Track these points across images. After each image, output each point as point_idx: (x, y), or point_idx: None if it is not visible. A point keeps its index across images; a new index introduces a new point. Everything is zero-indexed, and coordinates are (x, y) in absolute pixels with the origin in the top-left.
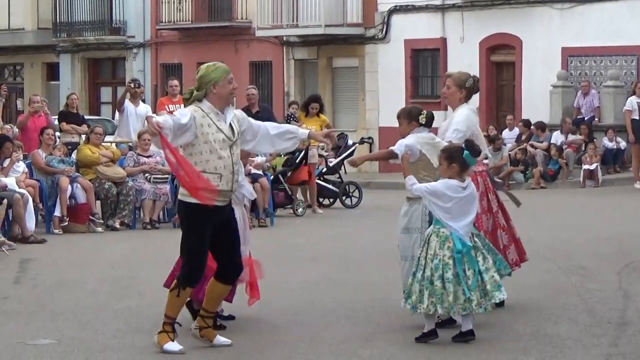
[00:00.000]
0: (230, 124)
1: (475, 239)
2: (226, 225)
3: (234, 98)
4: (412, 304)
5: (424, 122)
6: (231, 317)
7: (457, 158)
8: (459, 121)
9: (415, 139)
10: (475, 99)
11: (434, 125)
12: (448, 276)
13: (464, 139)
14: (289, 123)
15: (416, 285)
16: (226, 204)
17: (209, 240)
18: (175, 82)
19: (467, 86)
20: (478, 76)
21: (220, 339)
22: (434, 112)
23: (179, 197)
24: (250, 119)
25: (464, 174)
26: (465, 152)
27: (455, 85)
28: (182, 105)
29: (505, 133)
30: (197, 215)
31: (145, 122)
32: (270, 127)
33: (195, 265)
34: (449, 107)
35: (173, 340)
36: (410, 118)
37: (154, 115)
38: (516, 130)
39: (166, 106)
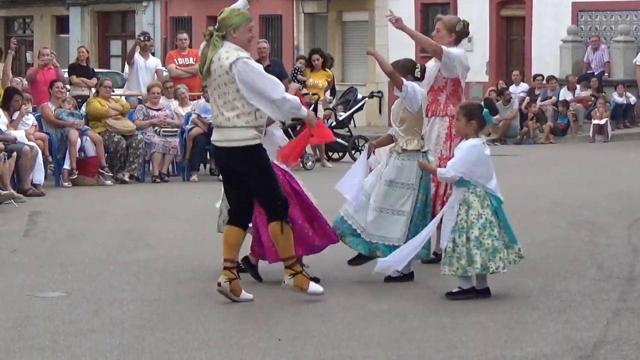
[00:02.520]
0: None
1: None
2: None
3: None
4: (463, 268)
5: (418, 76)
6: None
7: (477, 115)
8: (454, 55)
9: (421, 94)
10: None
11: None
12: (494, 233)
13: (454, 73)
14: (295, 77)
15: (462, 249)
16: None
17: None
18: (185, 35)
19: (457, 30)
20: (468, 21)
21: (245, 294)
22: None
23: (236, 144)
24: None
25: (480, 130)
26: (485, 110)
27: (445, 28)
28: (192, 59)
29: (512, 88)
30: (263, 152)
31: (155, 75)
32: None
33: (284, 195)
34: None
35: (310, 280)
36: (405, 71)
37: (164, 68)
38: (522, 86)
39: (175, 59)
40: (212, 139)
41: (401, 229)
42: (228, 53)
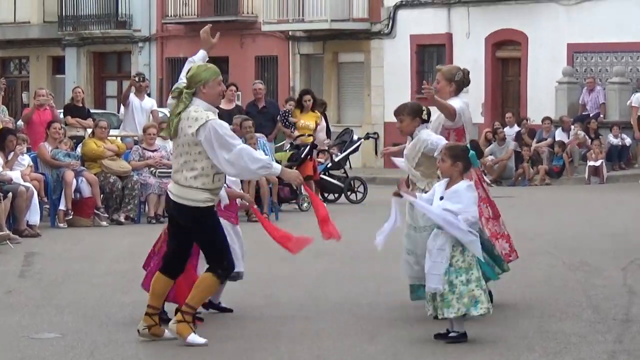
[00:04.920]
0: None
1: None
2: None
3: (239, 94)
4: (466, 307)
5: (426, 119)
6: (229, 310)
7: (463, 157)
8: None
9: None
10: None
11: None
12: (474, 278)
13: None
14: (286, 120)
15: (463, 289)
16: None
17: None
18: None
19: (457, 79)
20: (468, 69)
21: (169, 334)
22: None
23: (187, 203)
24: None
25: (466, 173)
26: (472, 152)
27: (445, 79)
28: None
29: (506, 130)
30: (213, 213)
31: (151, 116)
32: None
33: (231, 256)
34: None
35: (194, 332)
36: (414, 114)
37: (160, 110)
38: (516, 128)
39: None
40: (168, 187)
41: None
42: (197, 113)
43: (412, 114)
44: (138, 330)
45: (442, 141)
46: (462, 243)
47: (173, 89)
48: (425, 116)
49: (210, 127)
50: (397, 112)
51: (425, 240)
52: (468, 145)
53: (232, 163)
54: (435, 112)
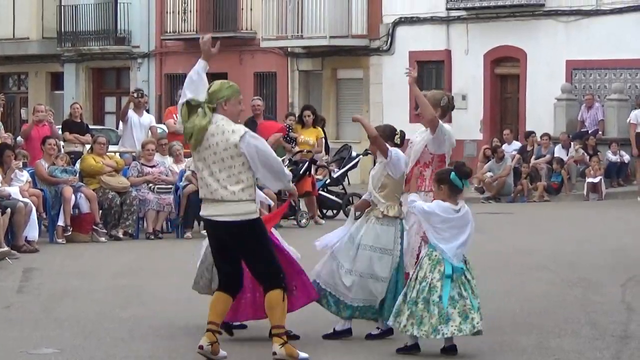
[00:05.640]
0: None
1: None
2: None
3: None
4: (400, 323)
5: (398, 142)
6: (243, 326)
7: (445, 180)
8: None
9: (405, 160)
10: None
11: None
12: (434, 299)
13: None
14: (287, 135)
15: (404, 305)
16: None
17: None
18: None
19: (442, 105)
20: (452, 94)
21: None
22: None
23: (241, 218)
24: None
25: (455, 196)
26: (452, 174)
27: (430, 105)
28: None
29: (505, 147)
30: (264, 224)
31: (149, 132)
32: None
33: (281, 265)
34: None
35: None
36: (385, 137)
37: (158, 126)
38: (515, 144)
39: (174, 115)
40: (207, 213)
41: (381, 293)
42: (231, 126)
43: (383, 137)
44: (201, 347)
45: (402, 160)
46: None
47: (184, 101)
48: (397, 140)
49: (250, 138)
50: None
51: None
52: (452, 168)
53: (271, 174)
54: (418, 136)
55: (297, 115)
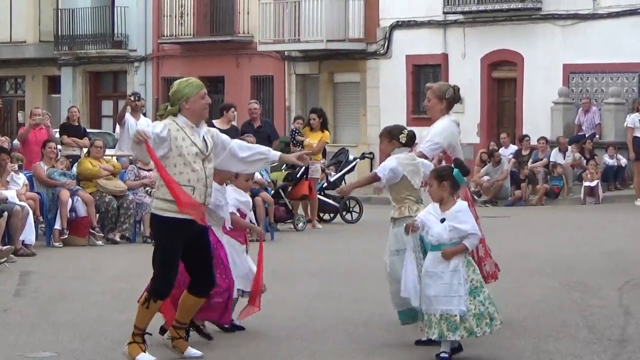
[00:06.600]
0: (203, 137)
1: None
2: (199, 239)
3: (235, 114)
4: (489, 326)
5: (404, 142)
6: (241, 328)
7: (447, 177)
8: (436, 132)
9: (397, 161)
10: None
11: None
12: (487, 295)
13: (439, 150)
14: (294, 138)
15: (483, 309)
16: None
17: (181, 254)
18: None
19: (448, 97)
20: (458, 86)
21: (192, 350)
22: None
23: (152, 210)
24: (223, 135)
25: (455, 192)
26: (455, 170)
27: (436, 97)
28: None
29: (502, 150)
30: (168, 228)
31: None
32: (240, 148)
33: (165, 278)
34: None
35: (144, 352)
36: (391, 137)
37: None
38: (512, 148)
39: None
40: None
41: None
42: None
43: (388, 137)
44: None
45: (387, 165)
46: (471, 263)
47: (160, 107)
48: (403, 139)
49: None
50: (379, 135)
51: (401, 263)
52: (452, 164)
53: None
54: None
55: (305, 119)
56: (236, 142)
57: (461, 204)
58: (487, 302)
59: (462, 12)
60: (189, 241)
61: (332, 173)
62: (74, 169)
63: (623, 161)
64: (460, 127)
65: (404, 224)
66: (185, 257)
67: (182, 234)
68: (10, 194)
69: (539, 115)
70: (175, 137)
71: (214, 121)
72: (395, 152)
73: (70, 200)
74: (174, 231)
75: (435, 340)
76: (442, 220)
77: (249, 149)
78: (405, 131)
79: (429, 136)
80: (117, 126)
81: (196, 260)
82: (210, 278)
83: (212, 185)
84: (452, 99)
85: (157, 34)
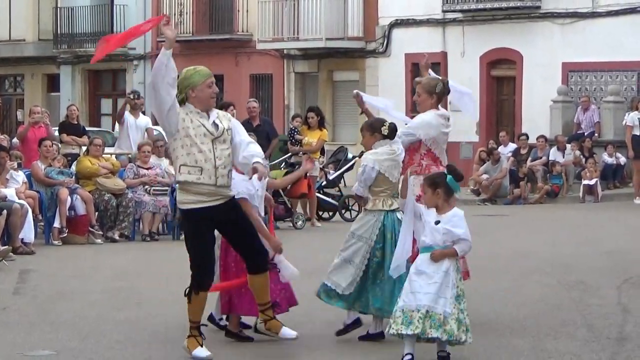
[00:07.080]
0: (214, 121)
1: None
2: (231, 221)
3: (234, 112)
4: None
5: (386, 134)
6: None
7: (441, 184)
8: (415, 123)
9: (372, 162)
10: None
11: None
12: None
13: (413, 140)
14: (292, 137)
15: (463, 317)
16: (219, 202)
17: (221, 240)
18: None
19: (437, 91)
20: (447, 79)
21: (286, 330)
22: None
23: (178, 205)
24: (240, 128)
25: (449, 199)
26: (449, 176)
27: (425, 92)
28: None
29: (500, 149)
30: (191, 219)
31: (146, 134)
32: (244, 145)
33: (201, 268)
34: None
35: (202, 345)
36: (373, 130)
37: (155, 127)
38: (511, 146)
39: None
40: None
41: (346, 278)
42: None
43: (371, 130)
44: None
45: (359, 183)
46: (459, 270)
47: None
48: (385, 131)
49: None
50: (360, 129)
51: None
52: (445, 171)
53: None
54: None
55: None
56: (245, 143)
57: (457, 211)
58: (465, 313)
59: (461, 11)
60: (222, 225)
61: (331, 171)
62: (73, 167)
63: (622, 159)
64: (457, 125)
65: (375, 216)
66: (230, 242)
67: (206, 223)
68: (10, 192)
69: (538, 113)
70: (183, 119)
71: None
72: (376, 146)
73: (69, 198)
74: (197, 221)
75: (376, 335)
76: (437, 222)
77: (245, 158)
78: (387, 123)
79: (408, 125)
80: (117, 124)
81: (237, 240)
82: (256, 249)
83: (227, 167)
84: (442, 92)
85: (156, 32)
